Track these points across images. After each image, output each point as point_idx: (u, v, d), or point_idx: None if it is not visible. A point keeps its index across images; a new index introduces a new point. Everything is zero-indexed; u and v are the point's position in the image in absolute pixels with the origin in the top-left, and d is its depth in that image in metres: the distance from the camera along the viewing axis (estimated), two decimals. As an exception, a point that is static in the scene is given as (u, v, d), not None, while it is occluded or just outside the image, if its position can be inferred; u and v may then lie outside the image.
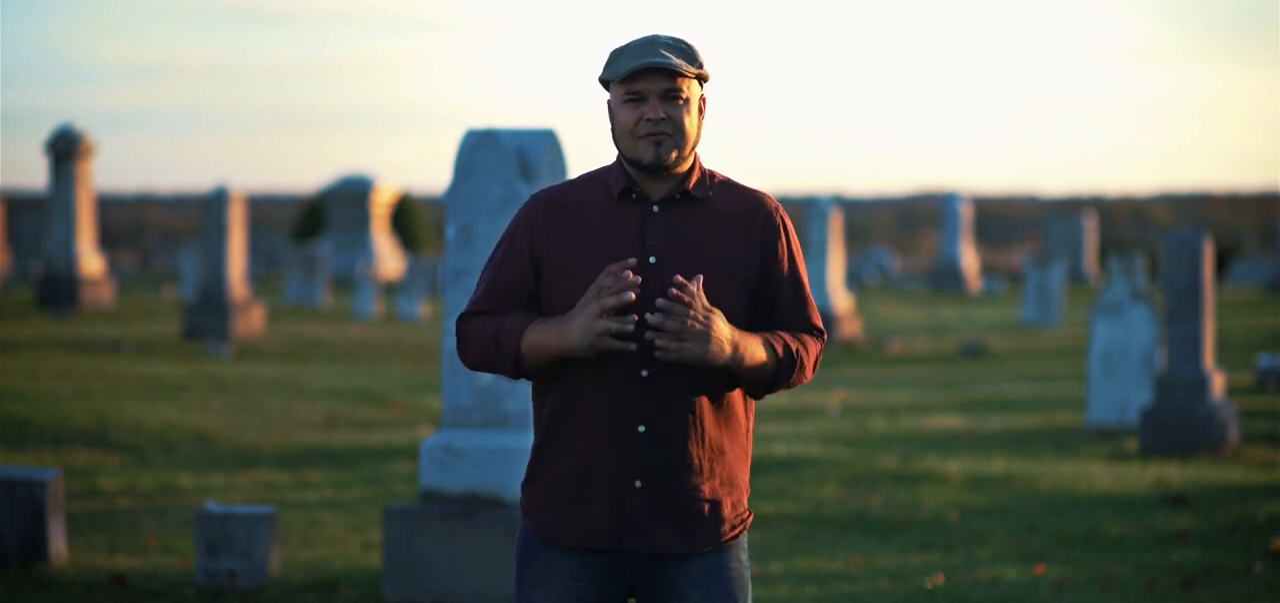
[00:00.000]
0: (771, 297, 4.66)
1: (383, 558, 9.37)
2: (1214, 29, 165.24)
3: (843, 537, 11.46)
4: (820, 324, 4.74)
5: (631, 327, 4.48)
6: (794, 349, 4.61)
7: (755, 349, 4.55)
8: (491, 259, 4.71)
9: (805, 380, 4.67)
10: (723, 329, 4.48)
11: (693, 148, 4.63)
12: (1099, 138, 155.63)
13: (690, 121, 4.60)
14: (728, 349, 4.49)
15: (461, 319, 4.68)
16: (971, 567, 10.47)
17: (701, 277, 4.50)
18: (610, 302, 4.46)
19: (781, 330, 4.67)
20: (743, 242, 4.63)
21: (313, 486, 13.39)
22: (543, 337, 4.55)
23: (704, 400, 4.60)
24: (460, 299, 9.24)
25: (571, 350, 4.51)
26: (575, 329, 4.49)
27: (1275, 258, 49.95)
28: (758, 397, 4.68)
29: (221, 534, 9.52)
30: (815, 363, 4.70)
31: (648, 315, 4.50)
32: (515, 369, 4.59)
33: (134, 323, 29.10)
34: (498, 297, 4.66)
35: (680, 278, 4.48)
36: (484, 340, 4.61)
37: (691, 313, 4.46)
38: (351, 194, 47.69)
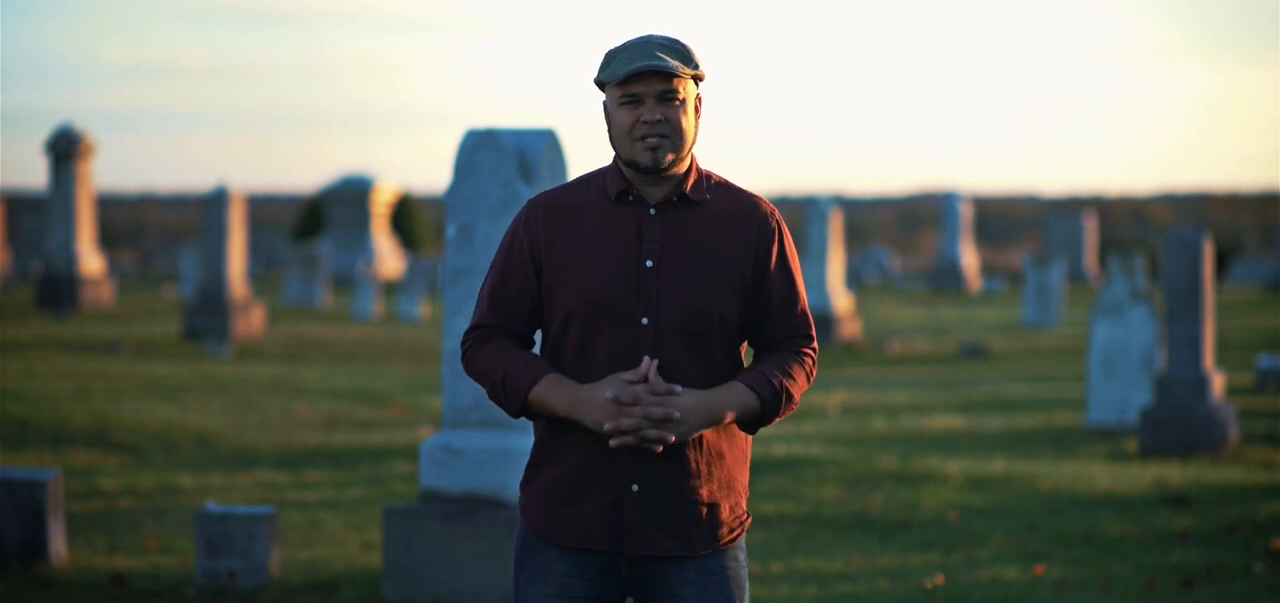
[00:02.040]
0: (765, 301, 4.67)
1: (383, 558, 9.37)
2: (1214, 29, 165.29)
3: (843, 537, 11.46)
4: (812, 331, 4.75)
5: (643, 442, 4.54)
6: (777, 384, 4.62)
7: (734, 401, 4.58)
8: (492, 268, 4.72)
9: (794, 408, 4.69)
10: (686, 415, 4.52)
11: (690, 148, 4.64)
12: (1099, 138, 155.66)
13: (687, 122, 4.61)
14: (696, 423, 4.54)
15: (468, 335, 4.71)
16: (971, 567, 10.47)
17: (656, 361, 4.53)
18: (628, 424, 4.51)
19: (770, 348, 4.68)
20: (738, 246, 4.64)
21: (313, 486, 13.39)
22: (552, 399, 4.58)
23: (702, 403, 4.61)
24: (460, 299, 9.24)
25: (584, 421, 4.56)
26: (591, 410, 4.53)
27: (1275, 258, 49.96)
28: (750, 433, 4.69)
29: (221, 534, 9.51)
30: (809, 375, 4.71)
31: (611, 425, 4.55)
32: (518, 414, 4.64)
33: (134, 323, 29.10)
34: (501, 307, 4.68)
35: (637, 381, 4.52)
36: (490, 375, 4.65)
37: (646, 419, 4.51)
38: (351, 194, 47.69)
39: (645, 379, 4.51)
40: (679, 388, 4.53)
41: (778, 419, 4.67)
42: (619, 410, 4.50)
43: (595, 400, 4.52)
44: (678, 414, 4.50)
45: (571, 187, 4.72)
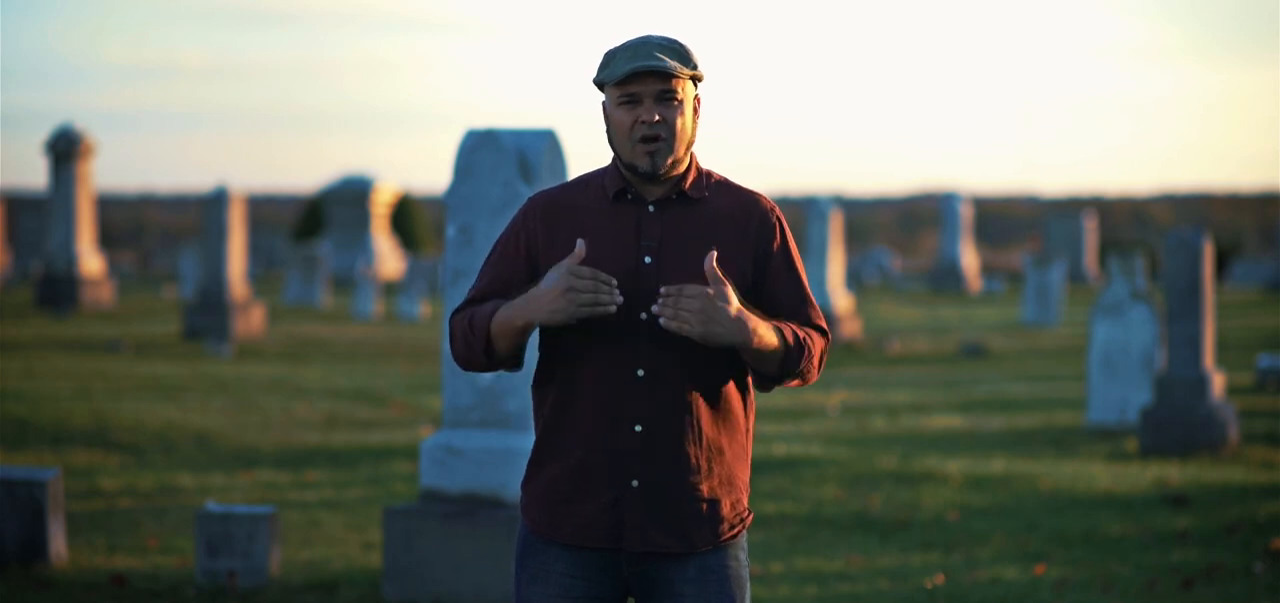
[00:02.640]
0: (770, 298, 4.66)
1: (383, 558, 9.37)
2: (1214, 29, 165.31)
3: (843, 537, 11.46)
4: (824, 323, 4.73)
5: (609, 301, 4.47)
6: (801, 337, 4.60)
7: (765, 332, 4.53)
8: (488, 259, 4.72)
9: (812, 378, 4.66)
10: (727, 308, 4.45)
11: (688, 148, 4.64)
12: (1099, 138, 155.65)
13: (684, 122, 4.61)
14: (732, 325, 4.46)
15: (452, 315, 4.71)
16: (971, 567, 10.47)
17: (715, 253, 4.49)
18: (585, 296, 4.45)
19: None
20: (738, 243, 4.64)
21: (313, 486, 13.40)
22: (509, 314, 4.56)
23: (701, 400, 4.60)
24: (460, 299, 9.23)
25: (539, 320, 4.51)
26: (544, 299, 4.49)
27: (1275, 258, 49.96)
28: (765, 388, 4.66)
29: (221, 534, 9.52)
30: (821, 360, 4.69)
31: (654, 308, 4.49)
32: (486, 354, 4.60)
33: (134, 323, 29.10)
34: (489, 296, 4.68)
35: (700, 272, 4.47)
36: (463, 330, 4.65)
37: (689, 294, 4.45)
38: (351, 194, 47.68)
39: (582, 262, 4.49)
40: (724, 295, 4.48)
41: (794, 382, 4.63)
42: (571, 290, 4.46)
43: (542, 293, 4.49)
44: (697, 304, 4.44)
45: (571, 185, 4.73)
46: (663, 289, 4.47)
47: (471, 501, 9.24)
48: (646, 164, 4.59)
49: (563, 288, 4.46)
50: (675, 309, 4.45)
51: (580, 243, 4.49)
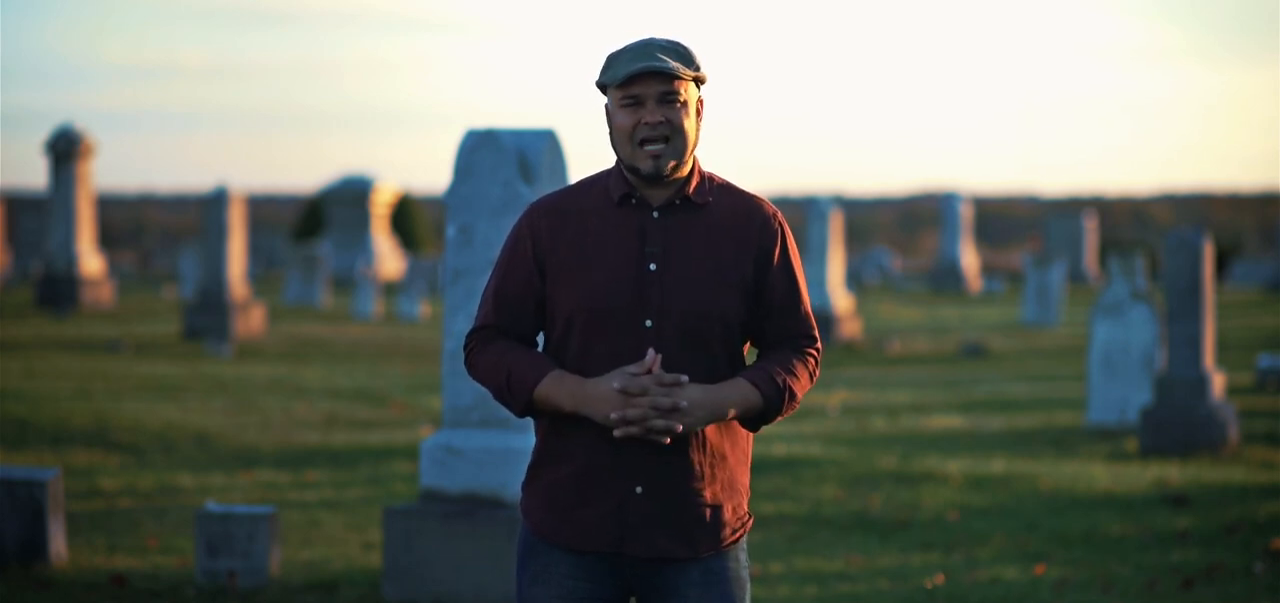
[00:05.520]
0: (767, 302, 4.68)
1: (383, 558, 9.37)
2: (1214, 30, 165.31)
3: (843, 537, 11.47)
4: (815, 332, 4.76)
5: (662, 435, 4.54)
6: (780, 382, 4.63)
7: (737, 398, 4.58)
8: (495, 270, 4.72)
9: (796, 407, 4.69)
10: (691, 407, 4.52)
11: (691, 150, 4.64)
12: (1099, 138, 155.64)
13: (688, 124, 4.61)
14: (702, 417, 4.54)
15: (471, 336, 4.70)
16: (971, 567, 10.47)
17: (659, 356, 4.52)
18: (634, 415, 4.50)
19: (773, 348, 4.69)
20: (741, 247, 4.64)
21: (313, 486, 13.40)
22: (557, 396, 4.57)
23: (705, 405, 4.61)
24: (460, 299, 9.24)
25: (588, 416, 4.55)
26: (597, 404, 4.52)
27: (1275, 258, 49.95)
28: (752, 430, 4.69)
29: (221, 534, 9.52)
30: (812, 375, 4.72)
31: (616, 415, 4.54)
32: (523, 412, 4.63)
33: (134, 323, 29.09)
34: (504, 310, 4.68)
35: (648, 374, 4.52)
36: (494, 375, 4.64)
37: (653, 410, 4.51)
38: (351, 194, 47.67)
39: (650, 371, 4.52)
40: (685, 378, 4.53)
41: (780, 418, 4.67)
42: (625, 402, 4.50)
43: (601, 394, 4.52)
44: (685, 404, 4.51)
45: (574, 189, 4.72)
46: (628, 416, 4.50)
47: (471, 501, 9.24)
48: (649, 166, 4.59)
49: (619, 399, 4.49)
50: (644, 427, 4.50)
51: (651, 352, 4.52)
